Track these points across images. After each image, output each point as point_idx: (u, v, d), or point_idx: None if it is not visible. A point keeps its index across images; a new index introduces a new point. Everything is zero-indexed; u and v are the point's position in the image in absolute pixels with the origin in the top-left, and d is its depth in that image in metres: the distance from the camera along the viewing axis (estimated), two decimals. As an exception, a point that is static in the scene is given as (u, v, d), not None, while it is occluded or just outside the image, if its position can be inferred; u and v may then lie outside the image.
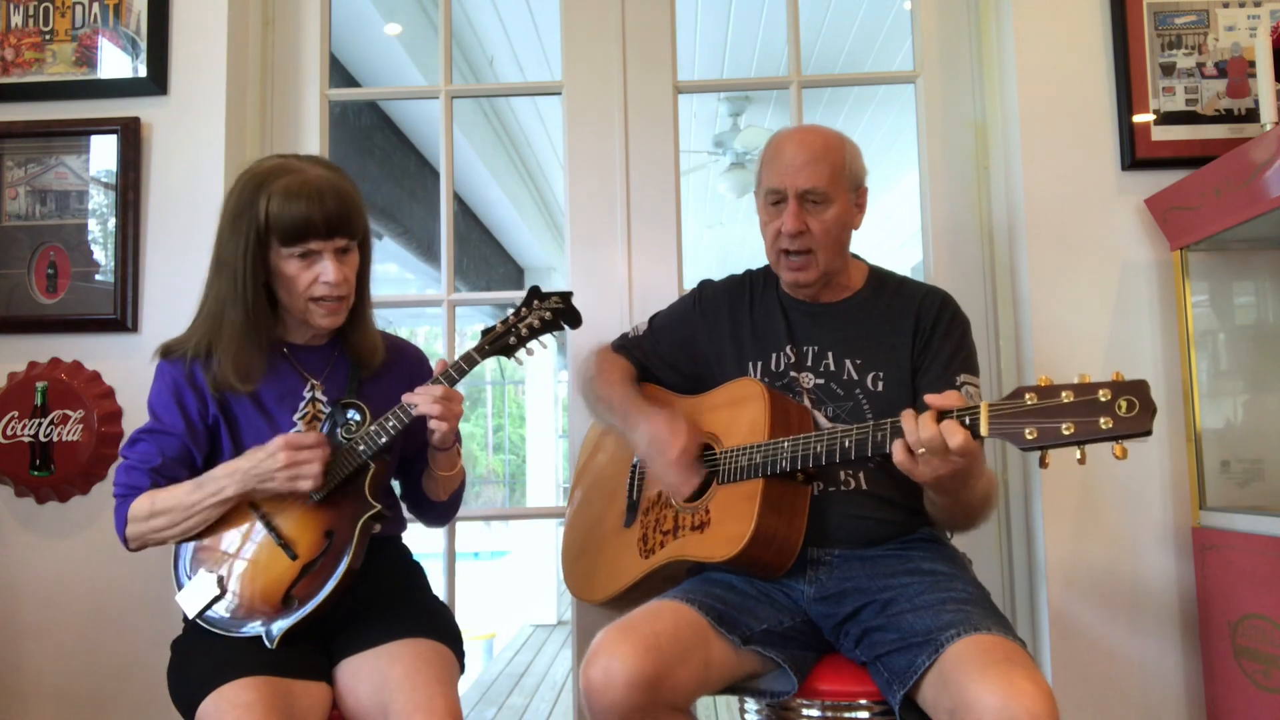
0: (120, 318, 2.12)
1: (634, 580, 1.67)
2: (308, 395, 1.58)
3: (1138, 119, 2.04)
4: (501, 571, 9.19)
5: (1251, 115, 2.01)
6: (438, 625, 1.54)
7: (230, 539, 1.49)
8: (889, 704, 1.38)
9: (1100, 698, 1.95)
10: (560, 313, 1.60)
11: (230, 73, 2.18)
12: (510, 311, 1.60)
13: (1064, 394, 1.19)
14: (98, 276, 2.14)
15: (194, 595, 1.46)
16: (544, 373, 8.43)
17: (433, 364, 1.62)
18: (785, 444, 1.49)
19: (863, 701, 1.47)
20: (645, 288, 2.23)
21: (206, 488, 1.46)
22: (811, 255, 1.64)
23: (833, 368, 1.65)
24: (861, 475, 1.59)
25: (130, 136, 2.14)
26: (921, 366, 1.63)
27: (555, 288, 1.65)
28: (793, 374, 1.66)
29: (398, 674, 1.40)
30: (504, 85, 4.73)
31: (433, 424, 1.51)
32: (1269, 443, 1.98)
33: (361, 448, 1.50)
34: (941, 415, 1.29)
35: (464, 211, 6.32)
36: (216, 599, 1.46)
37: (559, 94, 2.32)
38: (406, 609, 1.56)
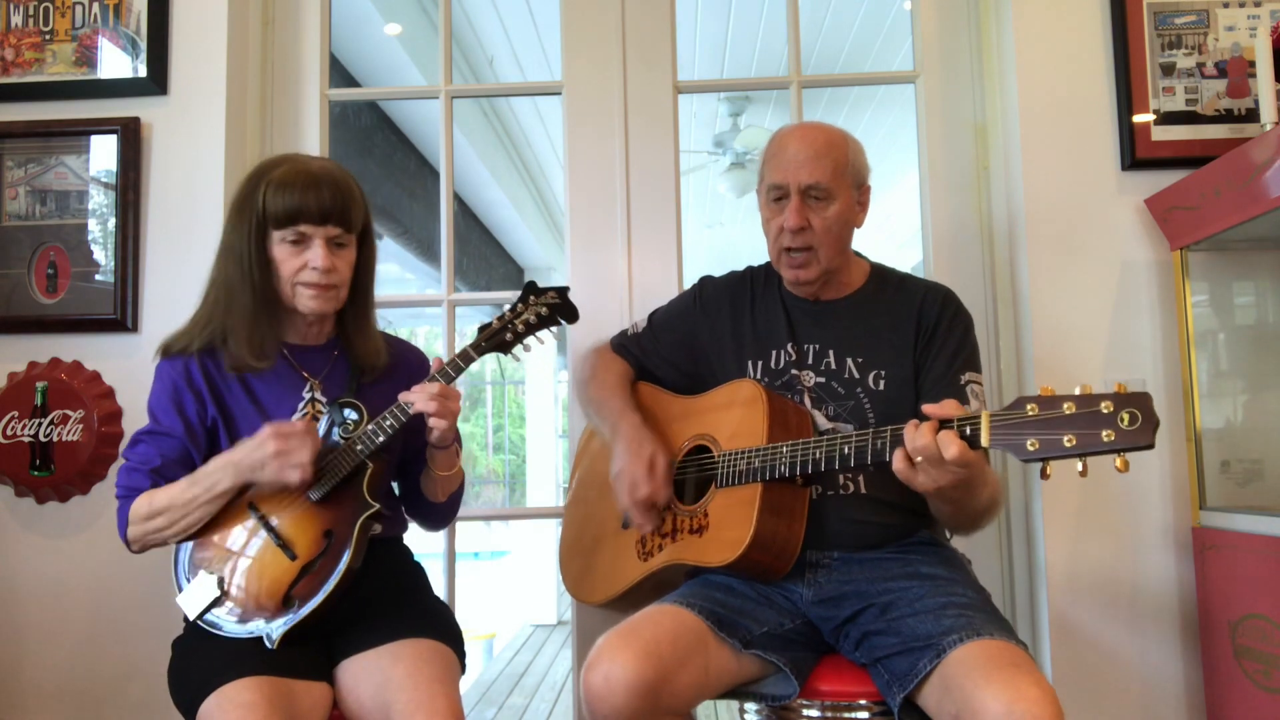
0: (120, 318, 2.12)
1: (632, 583, 1.67)
2: (307, 395, 1.58)
3: (1138, 119, 2.04)
4: (501, 571, 9.19)
5: (1251, 115, 2.01)
6: (439, 625, 1.54)
7: (229, 540, 1.49)
8: (889, 705, 1.38)
9: (1101, 698, 1.95)
10: (557, 308, 1.60)
11: (230, 73, 2.18)
12: (506, 308, 1.59)
13: (1066, 405, 1.18)
14: (98, 276, 2.14)
15: (194, 597, 1.46)
16: (544, 373, 8.42)
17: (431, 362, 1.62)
18: (784, 449, 1.49)
19: (862, 702, 1.47)
20: (645, 287, 2.23)
21: (201, 483, 1.46)
22: (813, 252, 1.63)
23: (834, 366, 1.65)
24: (861, 479, 1.58)
25: (130, 136, 2.14)
26: (924, 365, 1.63)
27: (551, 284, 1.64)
28: (793, 372, 1.66)
29: (399, 674, 1.40)
30: (504, 85, 4.73)
31: (431, 421, 1.50)
32: (1269, 443, 1.98)
33: (359, 447, 1.49)
34: (943, 425, 1.28)
35: (464, 211, 6.32)
36: (217, 601, 1.45)
37: (559, 94, 2.31)
38: (408, 609, 1.56)
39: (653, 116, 2.27)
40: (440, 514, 1.73)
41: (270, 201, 1.48)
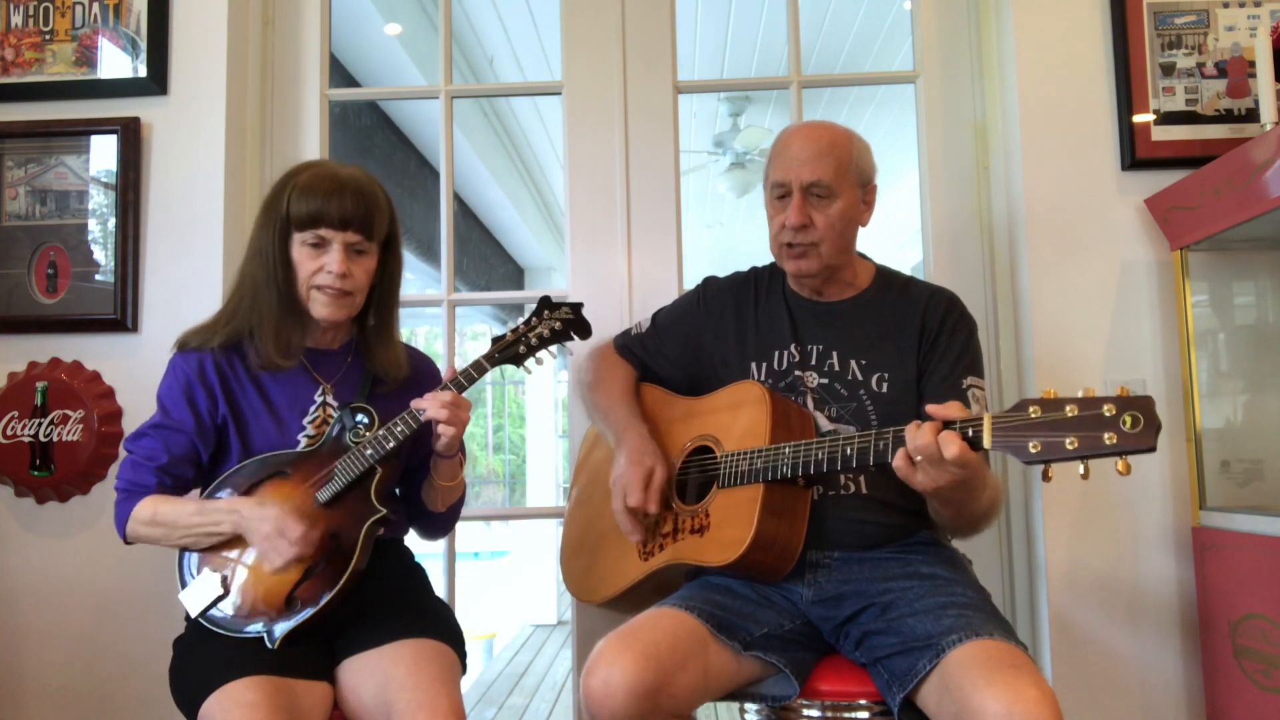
0: (120, 318, 2.12)
1: (632, 582, 1.67)
2: (319, 399, 1.58)
3: (1138, 119, 2.04)
4: (501, 571, 9.19)
5: (1251, 115, 2.01)
6: (439, 625, 1.54)
7: (235, 539, 1.49)
8: (889, 705, 1.38)
9: (1101, 698, 1.95)
10: (570, 324, 1.62)
11: (230, 73, 2.18)
12: (520, 320, 1.61)
13: (1068, 408, 1.18)
14: (98, 276, 2.14)
15: (197, 594, 1.46)
16: (544, 373, 8.42)
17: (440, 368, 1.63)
18: (786, 450, 1.49)
19: (862, 702, 1.47)
20: (645, 288, 2.23)
21: (208, 516, 1.47)
22: (814, 247, 1.63)
23: (837, 368, 1.65)
24: (861, 479, 1.58)
25: (130, 136, 2.14)
26: (927, 368, 1.63)
27: (556, 288, 1.66)
28: (797, 373, 1.66)
29: (400, 673, 1.40)
30: (504, 85, 4.73)
31: (440, 429, 1.51)
32: (1269, 443, 1.98)
33: (369, 451, 1.50)
34: (945, 426, 1.28)
35: (464, 211, 6.33)
36: (220, 598, 1.46)
37: (559, 94, 2.31)
38: (408, 609, 1.56)
39: (653, 116, 2.27)
40: (438, 524, 1.73)
41: (294, 204, 1.50)
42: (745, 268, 1.85)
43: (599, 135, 2.27)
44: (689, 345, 1.79)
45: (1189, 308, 1.94)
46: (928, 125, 2.24)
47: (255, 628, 1.43)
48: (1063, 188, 2.05)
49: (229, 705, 1.29)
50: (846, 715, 1.48)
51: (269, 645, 1.41)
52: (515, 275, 8.17)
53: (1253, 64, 1.96)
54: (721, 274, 1.86)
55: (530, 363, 1.61)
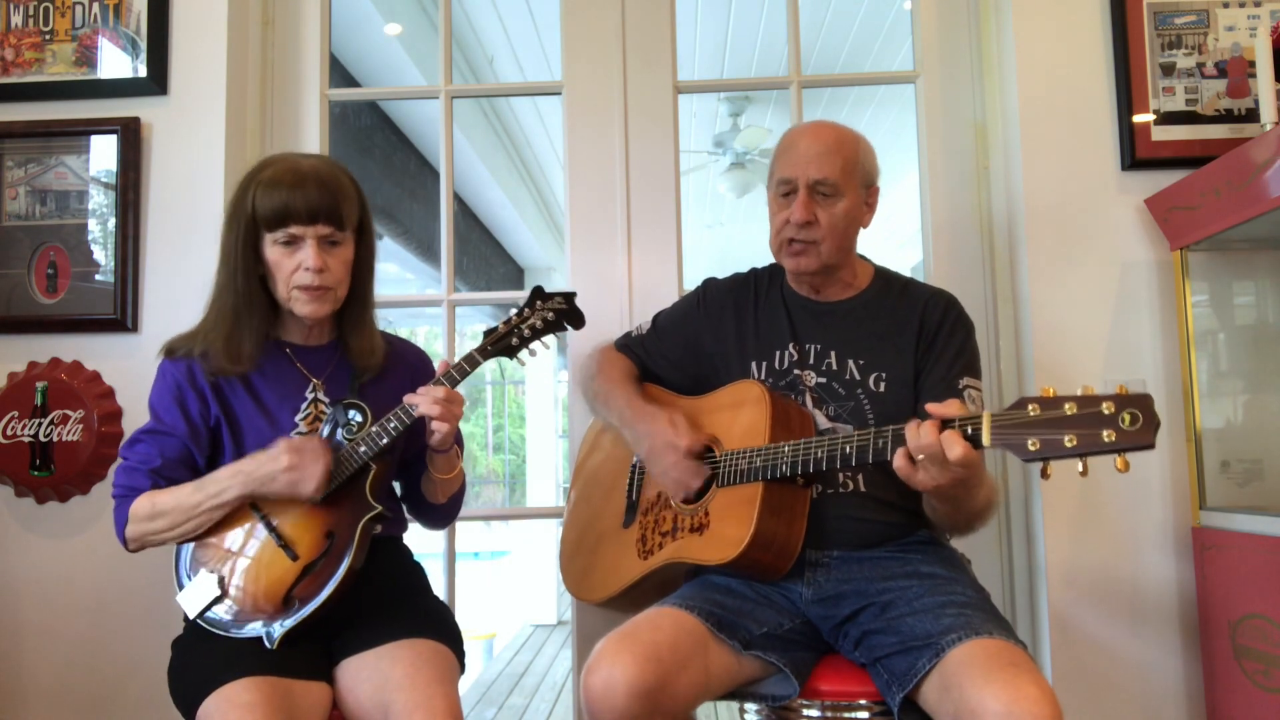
0: (120, 318, 2.12)
1: (632, 581, 1.67)
2: (309, 396, 1.58)
3: (1138, 119, 2.04)
4: (501, 571, 9.19)
5: (1251, 115, 2.01)
6: (438, 625, 1.54)
7: (231, 539, 1.49)
8: (889, 705, 1.38)
9: (1101, 698, 1.95)
10: (563, 313, 1.60)
11: (230, 73, 2.18)
12: (513, 312, 1.59)
13: (1067, 405, 1.18)
14: (98, 276, 2.14)
15: (195, 596, 1.46)
16: (544, 373, 8.43)
17: (435, 364, 1.62)
18: (786, 448, 1.49)
19: (862, 702, 1.47)
20: (645, 288, 2.23)
21: (208, 489, 1.46)
22: (815, 245, 1.63)
23: (835, 367, 1.65)
24: (860, 477, 1.58)
25: (130, 136, 2.14)
26: (924, 369, 1.63)
27: (556, 288, 1.64)
28: (796, 372, 1.66)
29: (398, 674, 1.40)
30: (504, 85, 4.73)
31: (433, 425, 1.50)
32: (1269, 443, 1.98)
33: (363, 449, 1.49)
34: (945, 424, 1.28)
35: (464, 211, 6.32)
36: (217, 599, 1.46)
37: (559, 94, 2.31)
38: (407, 609, 1.56)
39: (653, 116, 2.27)
40: (440, 515, 1.73)
41: (259, 203, 1.48)
42: (745, 268, 1.85)
43: (599, 135, 2.27)
44: (689, 346, 1.79)
45: (1189, 308, 1.94)
46: (928, 125, 2.24)
47: (253, 628, 1.43)
48: (1063, 188, 2.05)
49: (227, 706, 1.29)
50: (846, 715, 1.48)
51: (268, 645, 1.41)
52: (515, 275, 8.17)
53: (1253, 64, 1.96)
54: (722, 274, 1.87)
55: (524, 354, 1.58)
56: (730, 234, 7.57)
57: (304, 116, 2.30)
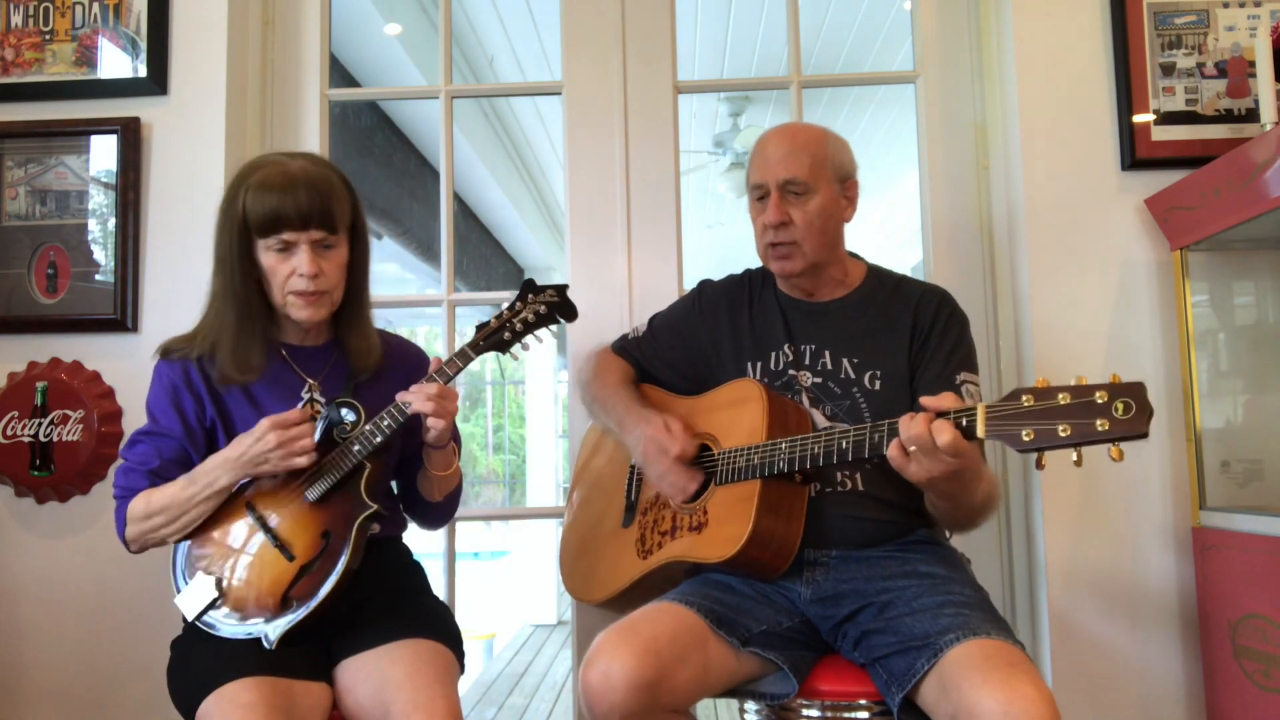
0: (120, 318, 2.12)
1: (632, 581, 1.67)
2: (305, 396, 1.57)
3: (1138, 119, 2.04)
4: (501, 571, 9.19)
5: (1251, 115, 2.00)
6: (438, 626, 1.54)
7: (227, 541, 1.49)
8: (888, 705, 1.38)
9: (1100, 698, 1.95)
10: (555, 306, 1.58)
11: (230, 73, 2.18)
12: (505, 306, 1.57)
13: (1061, 396, 1.19)
14: (98, 276, 2.14)
15: (192, 598, 1.46)
16: (544, 373, 8.42)
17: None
18: (783, 445, 1.49)
19: (862, 702, 1.47)
20: (645, 288, 2.23)
21: (199, 481, 1.46)
22: (796, 245, 1.64)
23: (830, 366, 1.65)
24: (858, 476, 1.59)
25: (130, 136, 2.14)
26: (920, 365, 1.63)
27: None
28: (791, 373, 1.66)
29: (398, 674, 1.40)
30: (504, 85, 4.72)
31: (429, 422, 1.50)
32: (1269, 443, 1.98)
33: (356, 447, 1.49)
34: (940, 417, 1.28)
35: (464, 211, 6.32)
36: (215, 601, 1.45)
37: (559, 94, 2.31)
38: (407, 609, 1.56)
39: (653, 116, 2.27)
40: (437, 513, 1.73)
41: (250, 209, 1.47)
42: (742, 270, 1.85)
43: (599, 135, 2.27)
44: (685, 348, 1.80)
45: (1189, 308, 1.94)
46: (928, 125, 2.24)
47: (252, 628, 1.43)
48: (1063, 187, 2.05)
49: (226, 706, 1.29)
50: (846, 715, 1.48)
51: (266, 645, 1.41)
52: (515, 275, 8.16)
53: (1253, 64, 1.96)
54: (721, 274, 1.87)
55: (517, 349, 1.57)
56: (730, 234, 7.57)
57: (304, 116, 2.30)
